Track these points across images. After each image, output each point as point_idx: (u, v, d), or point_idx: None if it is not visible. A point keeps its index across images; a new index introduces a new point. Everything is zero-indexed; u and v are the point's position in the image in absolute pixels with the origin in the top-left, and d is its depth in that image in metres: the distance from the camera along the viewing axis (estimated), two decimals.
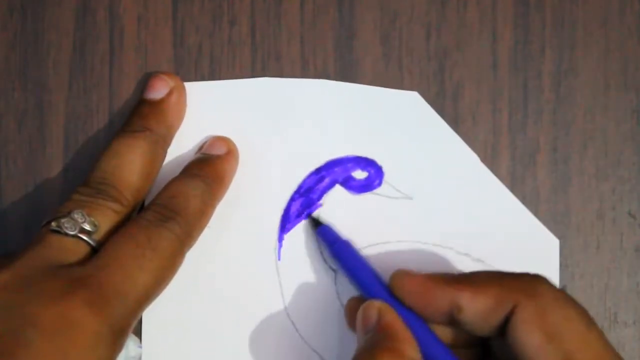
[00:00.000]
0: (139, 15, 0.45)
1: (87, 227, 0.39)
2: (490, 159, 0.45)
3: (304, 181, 0.44)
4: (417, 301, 0.38)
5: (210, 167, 0.42)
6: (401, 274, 0.39)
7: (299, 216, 0.44)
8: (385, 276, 0.41)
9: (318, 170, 0.44)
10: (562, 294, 0.37)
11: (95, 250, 0.39)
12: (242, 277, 0.44)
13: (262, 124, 0.44)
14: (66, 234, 0.38)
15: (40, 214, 0.45)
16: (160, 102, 0.43)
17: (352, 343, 0.40)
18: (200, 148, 0.44)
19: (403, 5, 0.45)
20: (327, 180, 0.44)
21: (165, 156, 0.43)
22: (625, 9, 0.45)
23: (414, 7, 0.45)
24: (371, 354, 0.36)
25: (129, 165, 0.41)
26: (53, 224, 0.38)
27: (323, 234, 0.43)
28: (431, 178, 0.44)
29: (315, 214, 0.44)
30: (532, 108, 0.45)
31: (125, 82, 0.45)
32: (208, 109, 0.44)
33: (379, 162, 0.45)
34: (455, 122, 0.45)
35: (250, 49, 0.45)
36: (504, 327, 0.37)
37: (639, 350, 0.45)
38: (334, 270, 0.44)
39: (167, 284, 0.39)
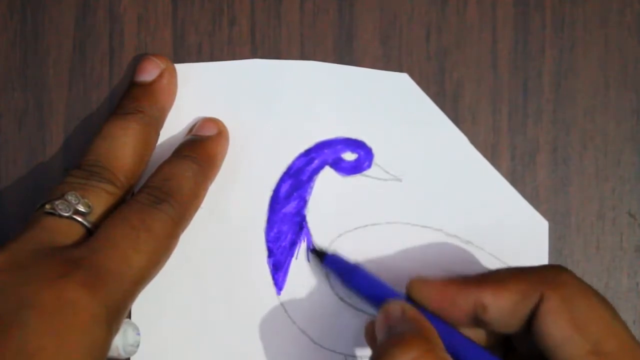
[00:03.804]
0: (139, 15, 0.45)
1: (81, 208, 0.39)
2: (490, 159, 0.45)
3: (294, 162, 0.44)
4: (439, 306, 0.38)
5: (202, 148, 0.42)
6: (419, 282, 0.39)
7: (287, 197, 0.44)
8: (371, 256, 0.42)
9: (308, 152, 0.45)
10: (585, 285, 0.37)
11: (90, 232, 0.38)
12: (232, 258, 0.44)
13: (252, 105, 0.44)
14: (60, 216, 0.38)
15: None
16: (152, 84, 0.43)
17: (343, 324, 0.41)
18: (191, 130, 0.44)
19: (403, 5, 0.45)
20: (316, 162, 0.44)
21: (158, 138, 0.43)
22: (625, 9, 0.45)
23: (414, 7, 0.45)
24: (400, 338, 0.35)
25: (122, 147, 0.41)
26: (47, 206, 0.38)
27: (331, 264, 0.43)
28: (420, 160, 0.44)
29: (317, 245, 0.44)
30: (532, 108, 0.45)
31: (125, 82, 0.45)
32: (198, 91, 0.44)
33: (369, 144, 0.45)
34: (455, 122, 0.45)
35: (250, 49, 0.45)
36: (529, 322, 0.37)
37: None
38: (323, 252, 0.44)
39: (162, 266, 0.39)
